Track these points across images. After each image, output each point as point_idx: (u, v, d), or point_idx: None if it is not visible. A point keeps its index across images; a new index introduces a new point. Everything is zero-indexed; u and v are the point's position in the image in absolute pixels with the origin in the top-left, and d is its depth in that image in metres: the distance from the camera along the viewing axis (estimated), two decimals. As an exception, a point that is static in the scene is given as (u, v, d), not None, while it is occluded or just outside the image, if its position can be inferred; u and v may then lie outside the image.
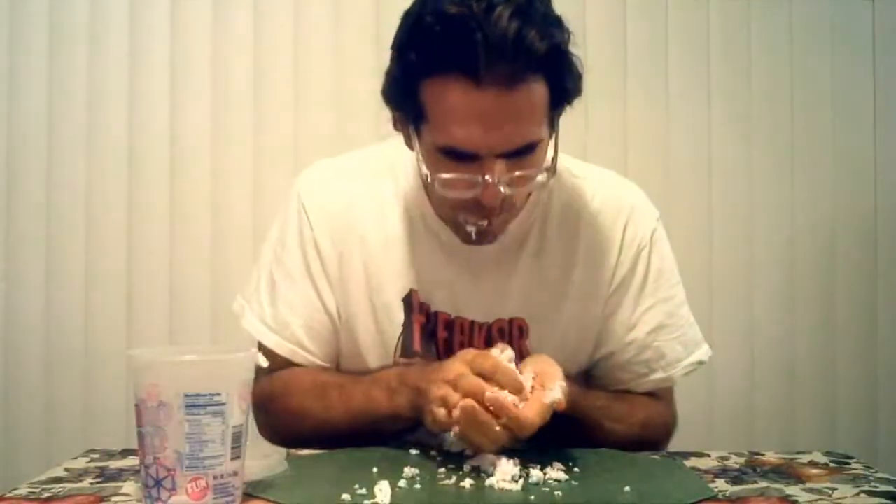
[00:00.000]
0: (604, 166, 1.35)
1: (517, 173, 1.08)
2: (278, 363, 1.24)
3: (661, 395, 1.30)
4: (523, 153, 1.08)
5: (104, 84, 2.12)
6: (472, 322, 1.22)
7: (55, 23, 2.12)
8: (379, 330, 1.24)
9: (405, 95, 1.09)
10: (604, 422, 1.19)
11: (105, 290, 2.11)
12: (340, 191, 1.27)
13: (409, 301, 1.23)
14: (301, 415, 1.21)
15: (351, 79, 2.09)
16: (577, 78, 1.10)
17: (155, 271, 2.12)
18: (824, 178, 2.18)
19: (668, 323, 1.27)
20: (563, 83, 1.08)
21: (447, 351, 1.21)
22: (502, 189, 1.07)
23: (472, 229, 1.14)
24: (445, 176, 1.09)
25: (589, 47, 2.11)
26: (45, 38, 2.12)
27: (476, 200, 1.09)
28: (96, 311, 2.12)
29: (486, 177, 1.06)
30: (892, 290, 2.18)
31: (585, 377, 1.29)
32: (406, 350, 1.23)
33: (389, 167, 1.27)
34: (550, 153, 1.13)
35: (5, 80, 2.11)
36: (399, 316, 1.23)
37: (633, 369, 1.26)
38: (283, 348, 1.25)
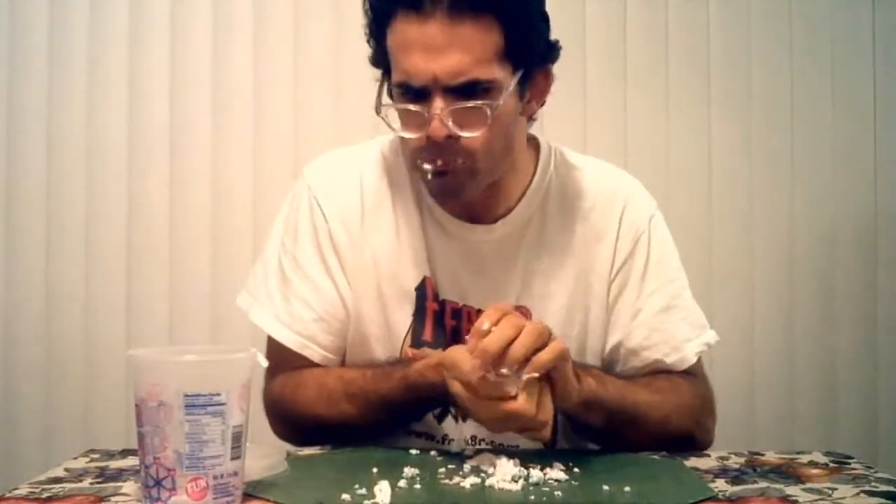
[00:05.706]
0: (602, 163, 1.36)
1: (463, 105, 1.09)
2: (287, 358, 1.24)
3: (690, 372, 1.26)
4: (470, 91, 1.09)
5: (104, 84, 2.12)
6: (479, 311, 1.22)
7: (55, 23, 2.11)
8: (387, 319, 1.24)
9: (377, 48, 1.15)
10: (629, 399, 1.16)
11: (105, 290, 2.11)
12: (351, 179, 1.27)
13: (422, 289, 1.24)
14: (313, 419, 1.21)
15: (351, 78, 2.08)
16: (543, 36, 1.14)
17: (155, 271, 2.11)
18: (824, 178, 2.18)
19: (674, 304, 1.27)
20: (520, 32, 1.10)
21: (455, 340, 1.20)
22: (450, 124, 1.09)
23: (428, 168, 1.14)
24: (398, 106, 1.13)
25: (588, 43, 2.12)
26: (45, 38, 2.11)
27: (427, 138, 1.11)
28: (96, 311, 2.11)
29: (431, 110, 1.08)
30: (892, 290, 2.18)
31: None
32: (416, 339, 1.24)
33: (396, 155, 1.27)
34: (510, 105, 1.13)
35: (5, 80, 2.11)
36: (409, 305, 1.24)
37: (646, 355, 1.24)
38: (294, 343, 1.24)
